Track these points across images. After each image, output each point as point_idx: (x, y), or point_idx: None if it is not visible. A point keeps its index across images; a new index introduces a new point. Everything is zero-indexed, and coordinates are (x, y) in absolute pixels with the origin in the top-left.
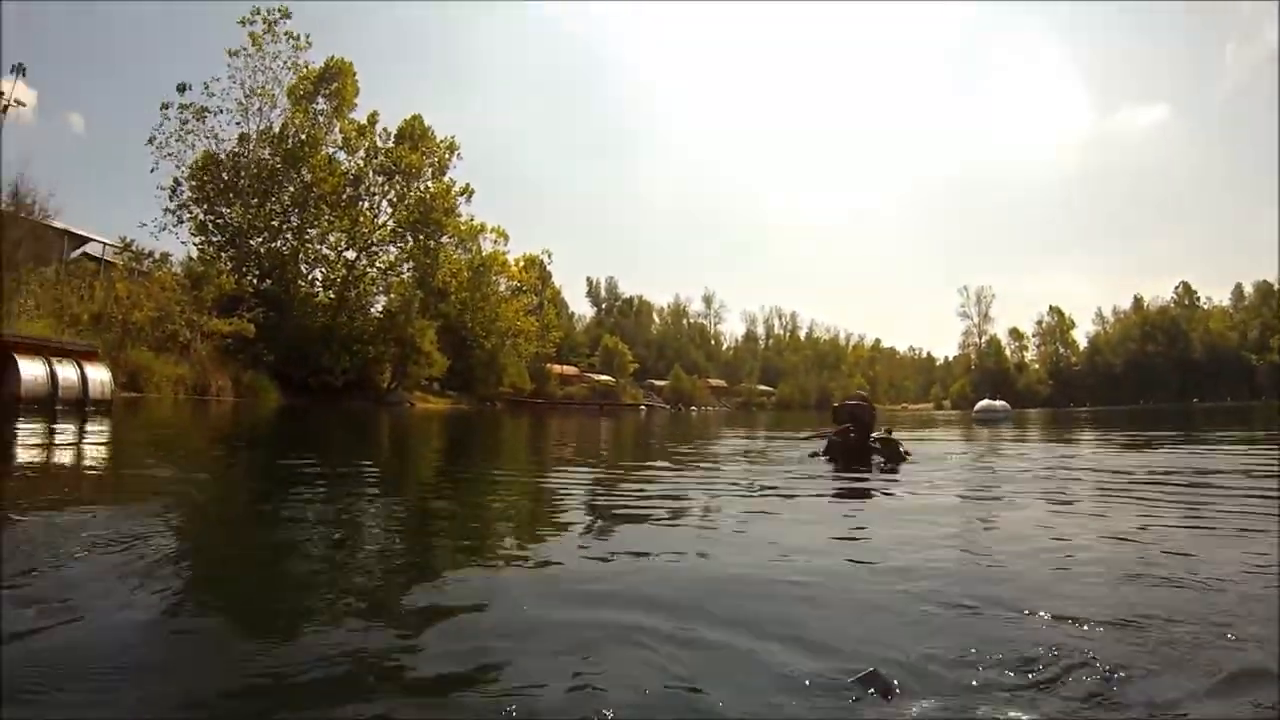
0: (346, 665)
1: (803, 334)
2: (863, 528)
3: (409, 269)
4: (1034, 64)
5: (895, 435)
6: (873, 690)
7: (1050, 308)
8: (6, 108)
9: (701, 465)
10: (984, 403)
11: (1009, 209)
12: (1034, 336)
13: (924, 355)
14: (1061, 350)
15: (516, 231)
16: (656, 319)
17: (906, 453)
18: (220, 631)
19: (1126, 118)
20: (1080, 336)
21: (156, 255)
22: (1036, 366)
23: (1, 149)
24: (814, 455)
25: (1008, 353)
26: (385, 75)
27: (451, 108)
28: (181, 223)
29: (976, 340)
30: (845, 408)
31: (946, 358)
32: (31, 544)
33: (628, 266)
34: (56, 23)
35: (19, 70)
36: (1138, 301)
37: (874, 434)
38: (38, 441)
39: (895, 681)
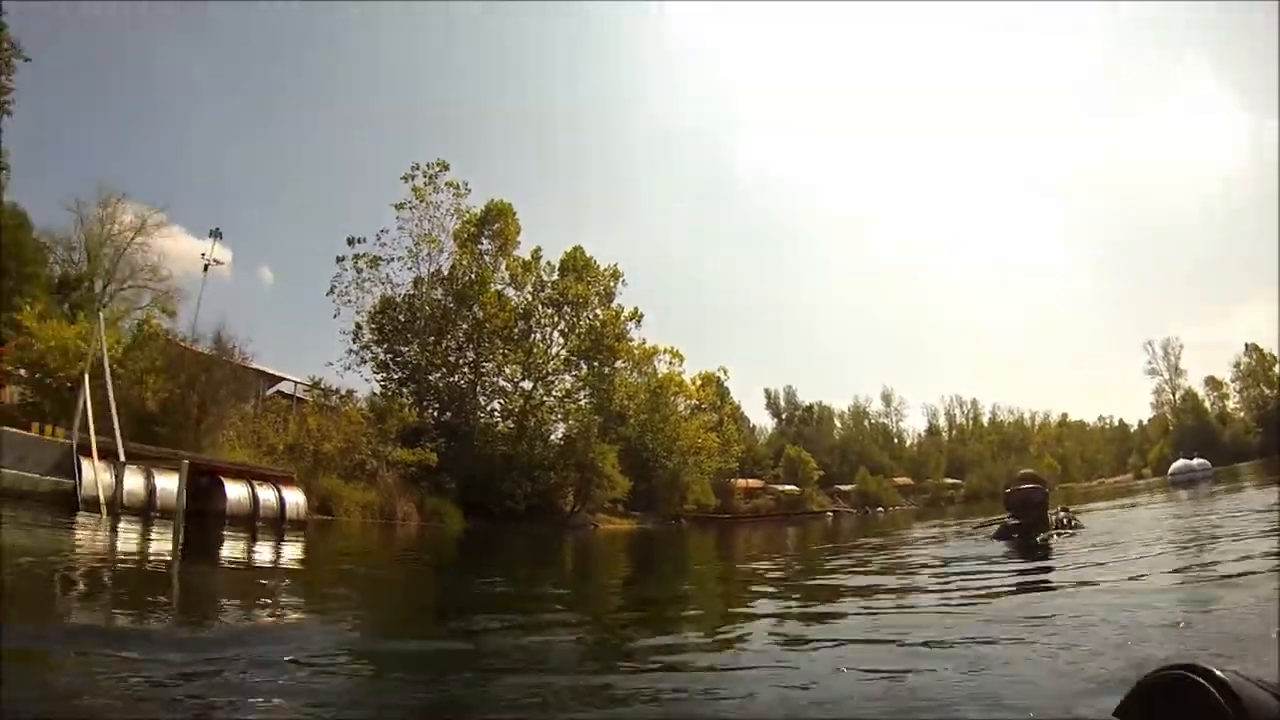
0: None
1: (985, 419)
2: None
3: (585, 395)
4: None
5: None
6: None
7: (1247, 346)
8: (207, 266)
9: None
10: (1179, 463)
11: (1177, 247)
12: (1234, 382)
13: (1116, 423)
14: (1267, 392)
15: (691, 350)
16: (838, 423)
17: (1077, 525)
18: None
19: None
20: None
21: (343, 392)
22: (1241, 415)
23: (202, 301)
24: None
25: (1207, 405)
26: (541, 205)
27: (612, 231)
28: (364, 362)
29: (1171, 398)
30: (1017, 494)
31: (1141, 422)
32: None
33: (804, 375)
34: (240, 186)
35: (216, 234)
36: None
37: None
38: (240, 553)
39: None
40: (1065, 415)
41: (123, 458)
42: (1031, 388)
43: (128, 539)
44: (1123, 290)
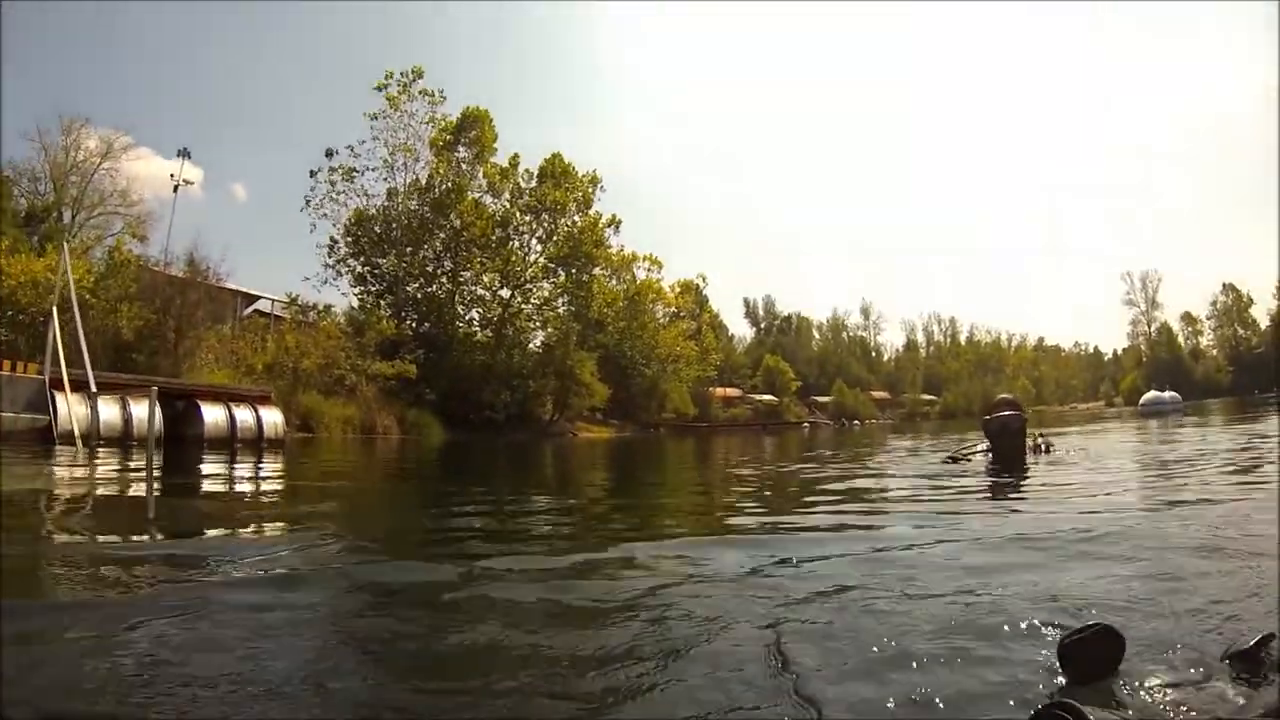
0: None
1: (963, 338)
2: None
3: (564, 303)
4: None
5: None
6: None
7: (1224, 285)
8: (177, 187)
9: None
10: (1150, 394)
11: (1167, 180)
12: (1209, 320)
13: (1091, 350)
14: (1241, 332)
15: (671, 258)
16: (816, 334)
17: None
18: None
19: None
20: (1261, 315)
21: (320, 307)
22: (1214, 353)
23: (174, 223)
24: (952, 460)
25: (1181, 340)
26: (519, 111)
27: (591, 139)
28: (341, 275)
29: (1146, 330)
30: (996, 420)
31: (1115, 351)
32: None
33: (783, 284)
34: (209, 103)
35: (185, 154)
36: None
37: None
38: (221, 473)
39: None
40: (1042, 339)
41: (94, 389)
42: (1010, 309)
43: (105, 470)
44: (1107, 214)
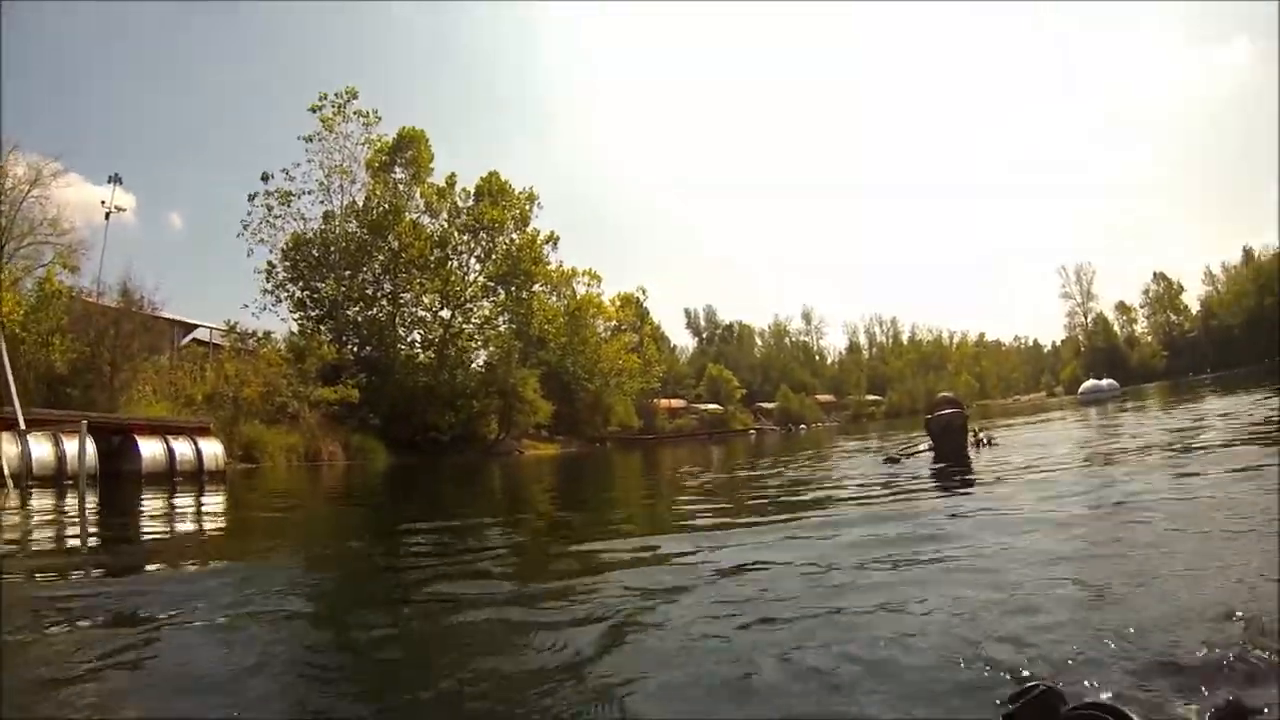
0: None
1: (905, 338)
2: None
3: (505, 321)
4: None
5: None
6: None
7: (1155, 274)
8: (109, 214)
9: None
10: (1089, 383)
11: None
12: (1142, 308)
13: (1031, 343)
14: (1174, 318)
15: (609, 272)
16: (759, 341)
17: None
18: None
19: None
20: (1192, 301)
21: (260, 334)
22: (1149, 339)
23: (105, 251)
24: (891, 461)
25: (1116, 329)
26: (457, 128)
27: (529, 154)
28: (280, 301)
29: (1083, 320)
30: (938, 419)
31: (1054, 343)
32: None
33: (724, 294)
34: (149, 130)
35: (116, 179)
36: (1248, 254)
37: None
38: (160, 511)
39: None
40: (983, 335)
41: (23, 425)
42: (950, 308)
43: (40, 508)
44: (1040, 212)
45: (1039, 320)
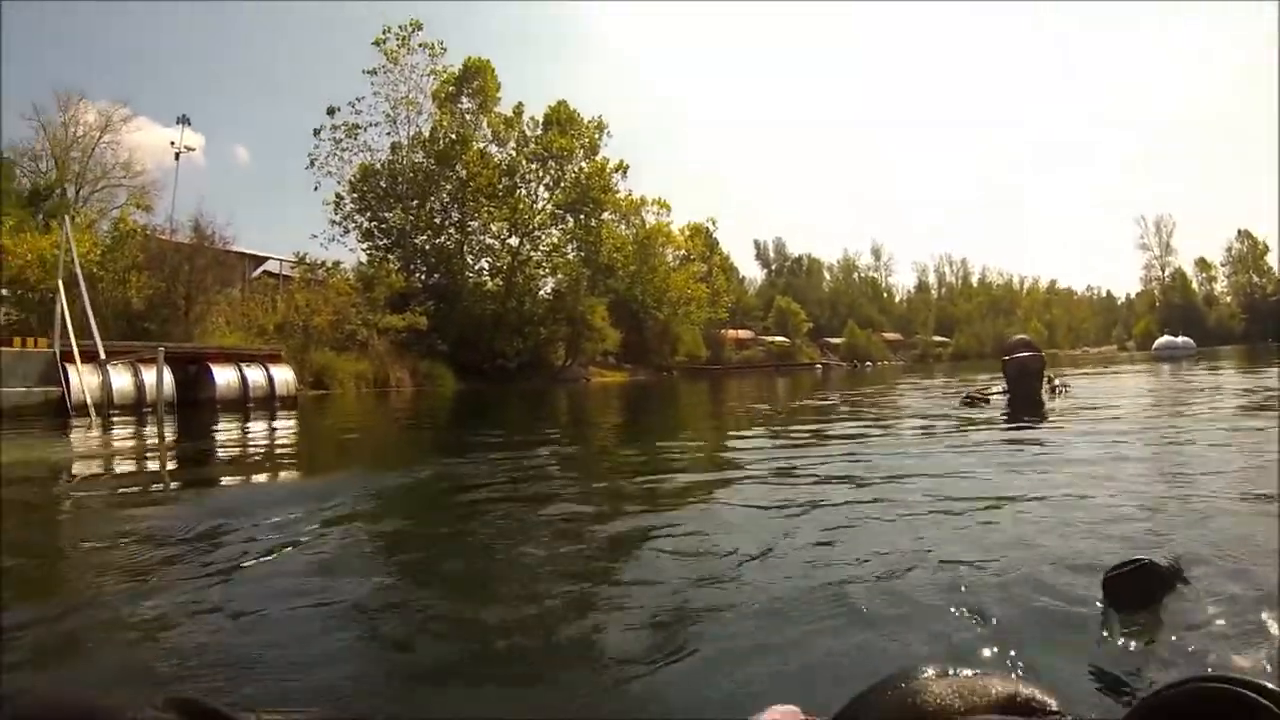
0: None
1: (975, 280)
2: None
3: (573, 249)
4: None
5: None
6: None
7: (1239, 231)
8: (179, 155)
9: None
10: (1164, 338)
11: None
12: (1223, 266)
13: (1104, 294)
14: (1256, 279)
15: (678, 202)
16: (827, 275)
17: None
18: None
19: None
20: (1276, 263)
21: (329, 264)
22: (1228, 299)
23: (176, 190)
24: (969, 402)
25: (1194, 285)
26: (525, 63)
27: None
28: (348, 232)
29: (1159, 274)
30: (1015, 361)
31: (1128, 295)
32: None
33: (794, 227)
34: (206, 68)
35: (184, 120)
36: None
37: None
38: (235, 435)
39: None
40: (1054, 282)
41: (104, 357)
42: (1024, 252)
43: (120, 436)
44: (1123, 160)
45: (1113, 273)
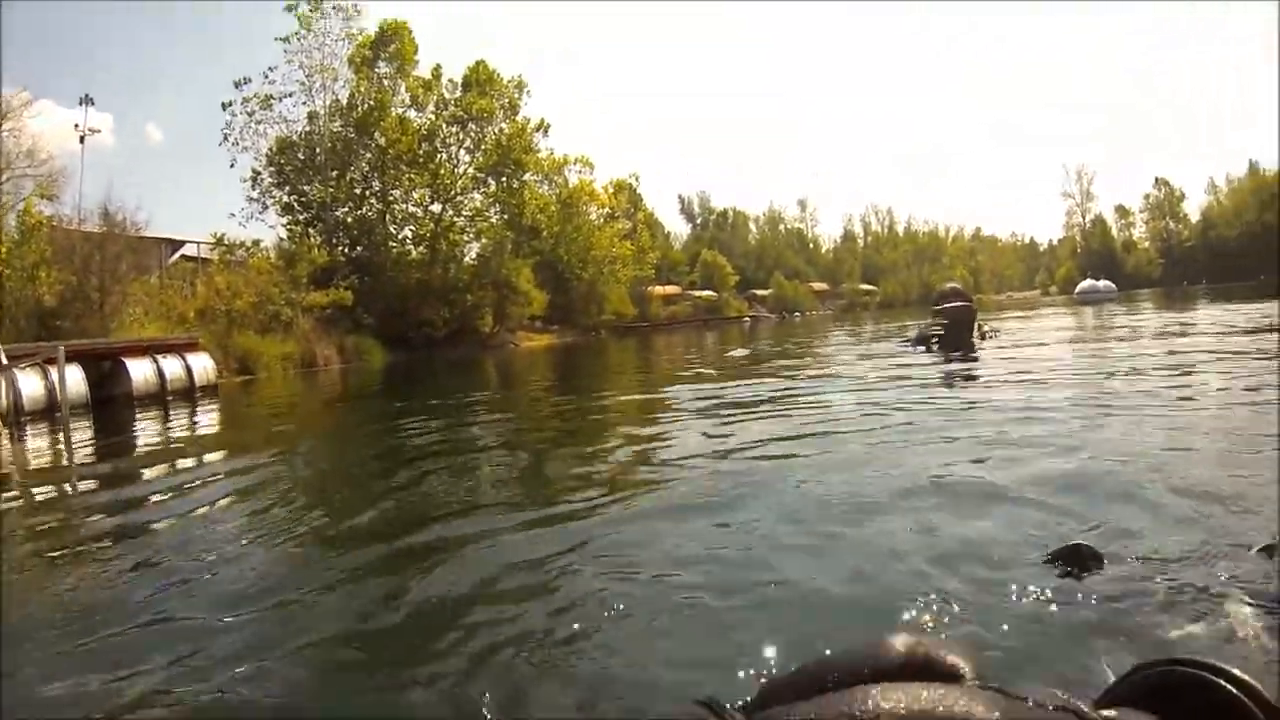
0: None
1: (901, 229)
2: None
3: (496, 212)
4: None
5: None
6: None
7: (1157, 180)
8: (84, 137)
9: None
10: (1086, 283)
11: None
12: (1141, 213)
13: (1027, 241)
14: (1172, 226)
15: (602, 158)
16: (753, 228)
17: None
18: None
19: None
20: (1192, 210)
21: (249, 244)
22: (1146, 245)
23: (83, 176)
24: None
25: (1114, 232)
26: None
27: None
28: (267, 208)
29: (1081, 221)
30: (947, 311)
31: (1051, 242)
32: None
33: (719, 180)
34: (118, 46)
35: (88, 101)
36: (1252, 167)
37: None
38: (150, 428)
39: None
40: (979, 229)
41: (4, 361)
42: (948, 200)
43: (32, 447)
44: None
45: (1036, 219)
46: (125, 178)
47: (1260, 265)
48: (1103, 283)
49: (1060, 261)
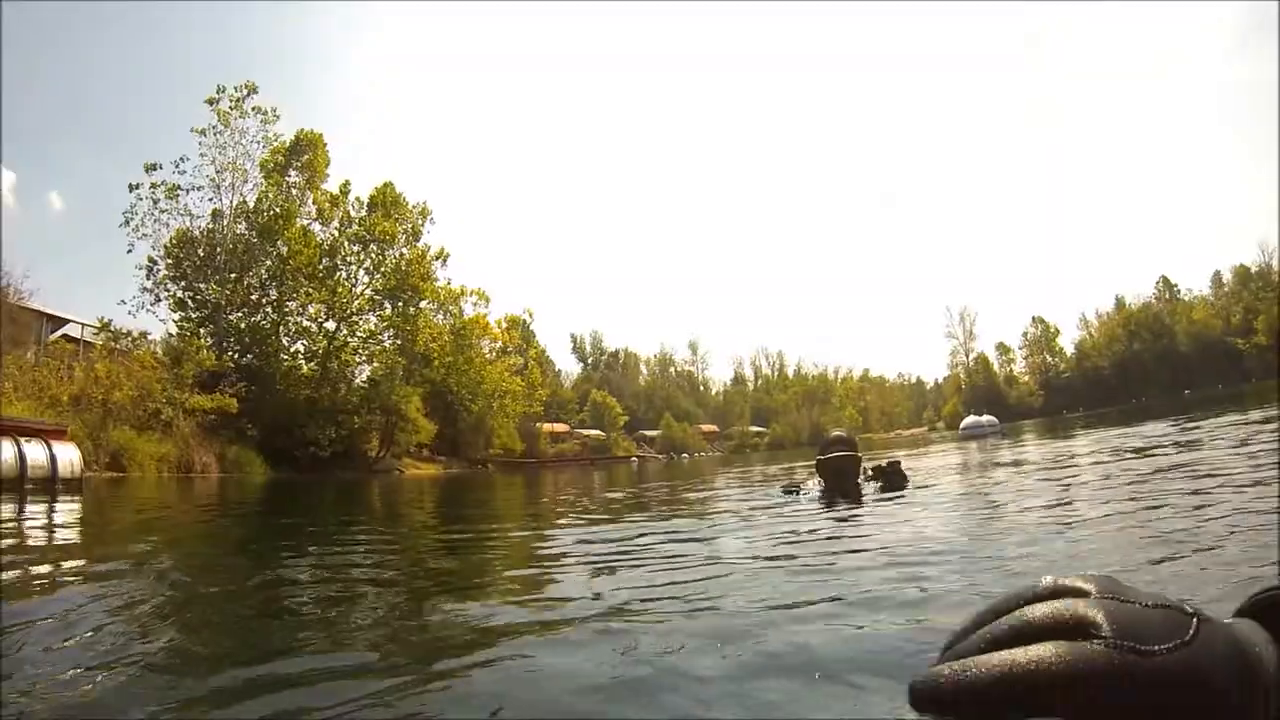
0: None
1: (790, 372)
2: None
3: (390, 337)
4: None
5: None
6: None
7: (1034, 318)
8: None
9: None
10: (969, 419)
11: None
12: (1021, 349)
13: (914, 380)
14: (1050, 359)
15: (497, 291)
16: (644, 369)
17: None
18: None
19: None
20: (1067, 344)
21: (135, 334)
22: (1026, 379)
23: None
24: (789, 492)
25: (996, 368)
26: (357, 138)
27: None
28: (159, 301)
29: (964, 359)
30: (830, 462)
31: (936, 380)
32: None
33: (612, 320)
34: (33, 102)
35: None
36: (1119, 301)
37: (869, 467)
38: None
39: None
40: (867, 370)
41: None
42: (836, 343)
43: None
44: (929, 258)
45: (923, 359)
46: (20, 242)
47: (1132, 390)
48: (985, 417)
49: (946, 398)
